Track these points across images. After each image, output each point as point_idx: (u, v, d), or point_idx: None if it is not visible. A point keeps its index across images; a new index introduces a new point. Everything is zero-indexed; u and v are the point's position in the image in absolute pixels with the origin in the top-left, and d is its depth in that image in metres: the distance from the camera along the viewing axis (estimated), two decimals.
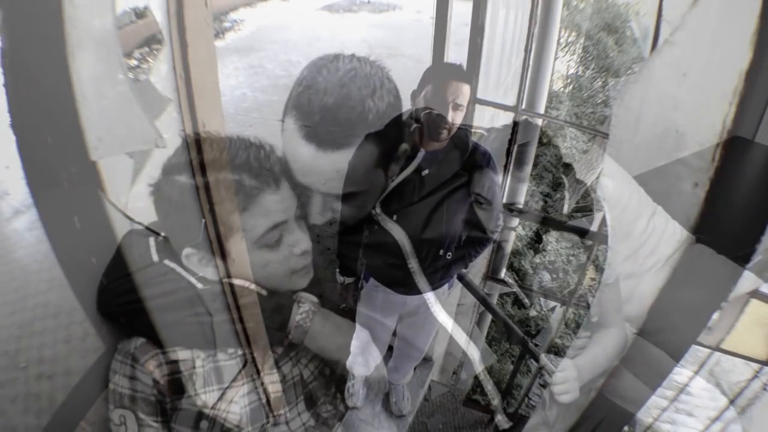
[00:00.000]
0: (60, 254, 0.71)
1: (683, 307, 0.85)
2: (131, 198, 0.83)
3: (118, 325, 0.81)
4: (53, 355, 0.81)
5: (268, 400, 0.86)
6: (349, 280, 1.54)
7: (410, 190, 1.32)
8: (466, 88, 1.27)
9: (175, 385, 0.80)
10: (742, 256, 0.73)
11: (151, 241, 0.81)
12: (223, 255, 0.72)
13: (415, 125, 1.08)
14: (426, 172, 1.31)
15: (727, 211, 0.76)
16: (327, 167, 0.82)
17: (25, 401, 0.78)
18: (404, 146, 0.97)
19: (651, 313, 0.87)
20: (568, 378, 1.08)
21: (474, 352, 2.20)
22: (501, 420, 2.21)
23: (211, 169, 0.67)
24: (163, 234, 0.81)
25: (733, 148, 0.69)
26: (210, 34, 0.59)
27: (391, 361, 2.05)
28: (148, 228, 0.83)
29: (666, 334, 0.88)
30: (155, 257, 0.80)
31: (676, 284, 0.83)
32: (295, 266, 0.83)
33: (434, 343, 2.48)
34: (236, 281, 0.78)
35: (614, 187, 0.89)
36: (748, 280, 0.85)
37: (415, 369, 2.19)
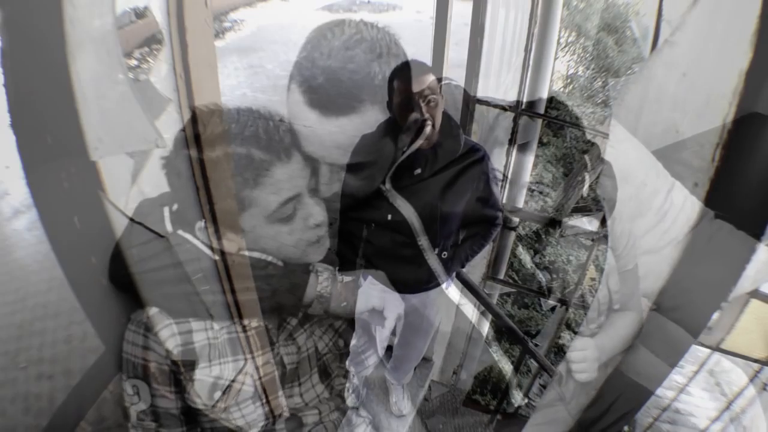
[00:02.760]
0: (60, 254, 0.71)
1: (702, 283, 0.84)
2: (131, 198, 0.83)
3: (128, 294, 0.80)
4: (53, 355, 0.81)
5: (268, 401, 0.86)
6: (348, 278, 1.54)
7: (403, 189, 1.31)
8: (429, 80, 1.24)
9: (188, 355, 0.79)
10: (759, 234, 0.73)
11: (165, 211, 0.80)
12: (235, 230, 0.71)
13: (431, 96, 1.01)
14: (418, 171, 1.31)
15: (742, 187, 0.76)
16: (332, 135, 0.79)
17: (25, 401, 0.78)
18: (414, 115, 0.94)
19: (669, 288, 0.86)
20: (588, 357, 1.07)
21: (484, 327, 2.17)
22: (518, 397, 2.21)
23: (218, 144, 0.66)
24: (176, 206, 0.80)
25: (751, 123, 0.68)
26: (210, 34, 0.59)
27: (391, 361, 2.05)
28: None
29: (684, 310, 0.87)
30: (169, 227, 0.79)
31: (695, 260, 0.82)
32: (310, 238, 0.82)
33: (434, 343, 2.48)
34: (254, 254, 0.77)
35: (626, 165, 0.88)
36: (748, 280, 0.85)
37: (415, 369, 2.19)
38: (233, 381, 0.82)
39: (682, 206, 0.82)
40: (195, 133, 0.63)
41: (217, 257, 0.77)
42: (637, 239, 0.92)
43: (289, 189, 0.76)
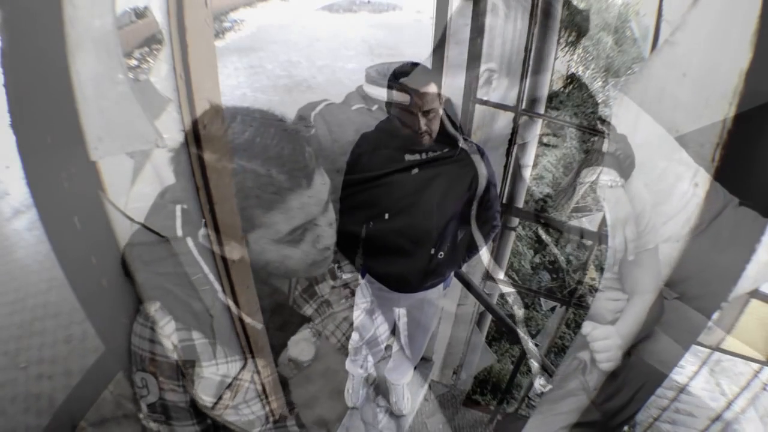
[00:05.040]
0: (60, 254, 0.71)
1: (727, 271, 0.84)
2: (131, 198, 0.83)
3: (136, 286, 0.79)
4: (53, 355, 0.81)
5: (265, 393, 0.86)
6: (347, 275, 1.54)
7: (400, 188, 1.32)
8: (429, 91, 1.22)
9: (191, 352, 0.79)
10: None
11: (178, 210, 0.78)
12: (238, 240, 0.70)
13: (431, 109, 1.25)
14: (415, 170, 1.31)
15: (742, 186, 0.75)
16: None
17: (25, 401, 0.78)
18: (413, 127, 1.27)
19: (693, 277, 0.86)
20: (612, 346, 1.06)
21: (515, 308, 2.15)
22: (540, 384, 2.20)
23: (238, 157, 0.64)
24: (185, 205, 0.78)
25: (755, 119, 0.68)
26: (210, 34, 0.59)
27: (390, 361, 2.05)
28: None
29: (709, 299, 0.87)
30: (179, 231, 0.77)
31: (720, 248, 0.82)
32: (316, 259, 0.81)
33: (434, 343, 2.48)
34: (246, 319, 0.76)
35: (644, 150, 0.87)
36: (748, 280, 0.85)
37: (415, 369, 2.19)
38: (236, 379, 0.82)
39: (705, 193, 0.81)
40: (197, 137, 0.61)
41: (220, 288, 0.76)
42: (659, 224, 0.91)
43: (304, 216, 0.74)
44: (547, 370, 1.89)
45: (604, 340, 1.07)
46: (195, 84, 0.56)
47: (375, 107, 1.40)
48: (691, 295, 0.88)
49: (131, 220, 0.81)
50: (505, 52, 1.87)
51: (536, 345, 1.92)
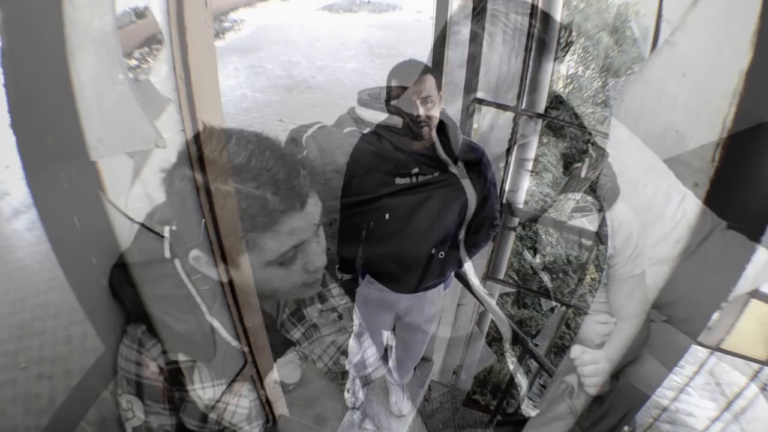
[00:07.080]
0: (60, 254, 0.71)
1: (714, 294, 0.84)
2: (131, 198, 0.83)
3: (124, 307, 0.79)
4: (53, 355, 0.81)
5: (268, 401, 0.86)
6: (347, 277, 1.54)
7: (400, 189, 1.32)
8: (427, 80, 1.24)
9: (178, 374, 0.78)
10: (760, 233, 0.73)
11: (166, 231, 0.78)
12: (227, 262, 0.70)
13: (429, 97, 1.26)
14: (416, 170, 1.31)
15: (743, 187, 0.76)
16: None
17: (25, 401, 0.78)
18: (412, 117, 1.29)
19: (681, 300, 0.86)
20: (600, 371, 1.07)
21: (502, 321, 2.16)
22: (527, 407, 2.21)
23: (233, 180, 0.64)
24: (174, 226, 0.78)
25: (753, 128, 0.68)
26: (210, 34, 0.59)
27: (390, 362, 2.05)
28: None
29: (697, 322, 0.87)
30: (167, 252, 0.77)
31: (708, 271, 0.82)
32: (306, 281, 0.81)
33: (434, 343, 2.48)
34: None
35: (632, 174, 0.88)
36: (748, 280, 0.85)
37: (415, 369, 2.19)
38: (225, 402, 0.81)
39: (694, 216, 0.81)
40: (199, 156, 0.59)
41: (207, 308, 0.76)
42: (648, 247, 0.92)
43: (296, 238, 0.74)
44: (547, 371, 1.89)
45: (593, 364, 1.07)
46: (195, 84, 0.56)
47: (367, 130, 1.40)
48: (679, 318, 0.88)
49: (131, 220, 0.81)
50: (491, 80, 1.87)
51: (536, 345, 1.92)
